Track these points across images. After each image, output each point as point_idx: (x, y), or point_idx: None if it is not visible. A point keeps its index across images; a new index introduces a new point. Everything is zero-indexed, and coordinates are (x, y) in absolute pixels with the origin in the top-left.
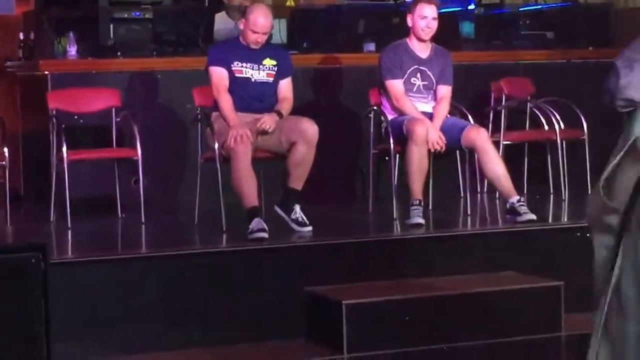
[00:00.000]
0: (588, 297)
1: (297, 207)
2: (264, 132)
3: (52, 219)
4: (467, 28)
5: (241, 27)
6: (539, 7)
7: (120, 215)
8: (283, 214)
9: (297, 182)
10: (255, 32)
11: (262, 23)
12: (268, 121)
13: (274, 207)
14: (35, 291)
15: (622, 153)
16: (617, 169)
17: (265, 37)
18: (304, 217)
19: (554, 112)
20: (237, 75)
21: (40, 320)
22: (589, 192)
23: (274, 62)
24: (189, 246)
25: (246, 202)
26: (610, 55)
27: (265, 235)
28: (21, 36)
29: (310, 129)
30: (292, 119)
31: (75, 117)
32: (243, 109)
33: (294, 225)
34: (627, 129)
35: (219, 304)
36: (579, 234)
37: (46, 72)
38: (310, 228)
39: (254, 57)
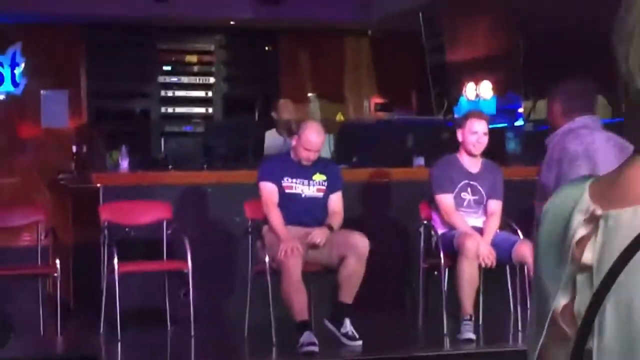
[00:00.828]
0: None
1: (347, 321)
2: (314, 246)
3: (101, 331)
4: (512, 144)
5: (293, 143)
6: None
7: (169, 327)
8: (333, 329)
9: (348, 296)
10: (307, 150)
11: (314, 140)
12: (319, 235)
13: (324, 321)
14: None
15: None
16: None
17: (317, 155)
18: (354, 331)
19: None
20: (287, 191)
21: None
22: None
23: (324, 177)
24: (239, 358)
25: (296, 315)
26: None
27: (316, 349)
28: (74, 149)
29: (361, 243)
30: (343, 233)
31: (127, 229)
32: (293, 222)
33: (344, 340)
34: None
35: None
36: None
37: (98, 185)
38: (360, 342)
39: (304, 172)
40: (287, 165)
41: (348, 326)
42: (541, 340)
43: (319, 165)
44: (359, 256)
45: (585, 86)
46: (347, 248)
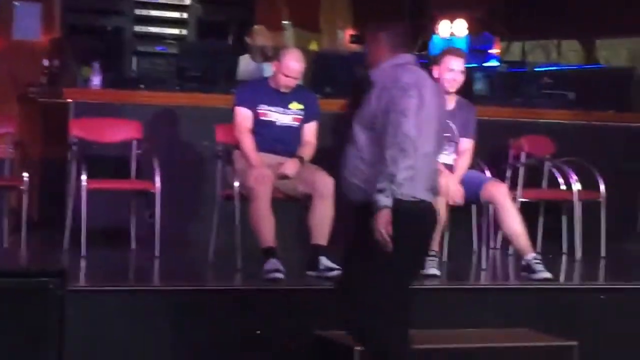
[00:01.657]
0: (601, 358)
1: (323, 259)
2: (284, 177)
3: (65, 246)
4: (479, 85)
5: (273, 69)
6: (561, 68)
7: (133, 247)
8: (313, 273)
9: (321, 237)
10: (287, 76)
11: (294, 67)
12: (290, 167)
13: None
14: (52, 316)
15: None
16: None
17: (296, 82)
18: (332, 263)
19: (572, 173)
20: (261, 118)
21: (54, 345)
22: (603, 254)
23: (301, 107)
24: (202, 282)
25: (263, 242)
26: (631, 119)
27: (281, 275)
28: (45, 63)
29: (324, 185)
30: (308, 169)
31: (96, 146)
32: (265, 150)
33: (326, 274)
34: None
35: (227, 342)
36: (593, 295)
37: (69, 100)
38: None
39: (281, 100)
40: (264, 91)
41: (325, 262)
42: None
43: (297, 93)
44: (324, 197)
45: (409, 27)
46: (311, 188)
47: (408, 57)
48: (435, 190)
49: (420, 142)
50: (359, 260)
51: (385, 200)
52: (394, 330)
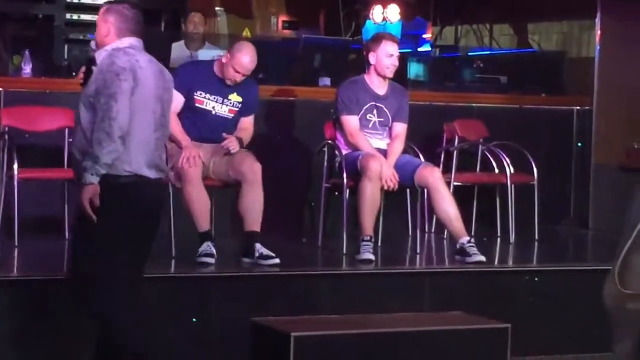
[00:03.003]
0: (534, 340)
1: (258, 245)
2: (227, 153)
3: None
4: (415, 70)
5: (224, 60)
6: (494, 52)
7: (67, 237)
8: (249, 260)
9: (253, 224)
10: (236, 72)
11: (246, 64)
12: (233, 142)
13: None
14: None
15: (632, 238)
16: (630, 255)
17: (243, 78)
18: (268, 251)
19: (505, 156)
20: (197, 105)
21: None
22: (536, 237)
23: (240, 99)
24: None
25: (198, 225)
26: (562, 102)
27: (212, 260)
28: None
29: (251, 171)
30: (238, 155)
31: (27, 135)
32: (196, 138)
33: (261, 262)
34: (629, 214)
35: (163, 330)
36: (527, 277)
37: (0, 89)
38: (277, 260)
39: (221, 90)
40: (206, 77)
41: (260, 248)
42: (627, 245)
43: (240, 85)
44: (253, 183)
45: (136, 11)
46: (240, 174)
47: (132, 41)
48: (160, 168)
49: (134, 125)
50: (78, 235)
51: (89, 177)
52: (113, 303)
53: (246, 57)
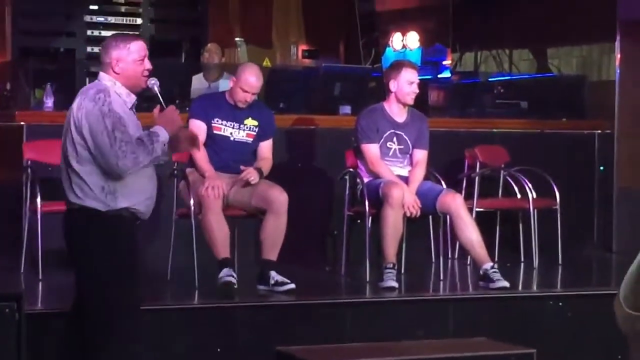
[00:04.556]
0: None
1: (273, 273)
2: (246, 184)
3: (22, 270)
4: (436, 96)
5: (231, 84)
6: (514, 77)
7: None
8: (264, 287)
9: (271, 253)
10: (245, 92)
11: (252, 83)
12: (253, 173)
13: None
14: (9, 341)
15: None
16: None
17: (253, 97)
18: (283, 278)
19: (527, 181)
20: (215, 132)
21: None
22: (560, 261)
23: (256, 123)
24: (161, 302)
25: (218, 253)
26: (583, 126)
27: (233, 280)
28: None
29: (278, 199)
30: (263, 184)
31: (50, 168)
32: (218, 167)
33: (276, 289)
34: None
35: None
36: (551, 302)
37: (22, 123)
38: (292, 285)
39: (237, 115)
40: (220, 105)
41: (275, 276)
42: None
43: (254, 109)
44: (278, 213)
45: None
46: (265, 203)
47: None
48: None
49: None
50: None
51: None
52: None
53: (252, 76)
